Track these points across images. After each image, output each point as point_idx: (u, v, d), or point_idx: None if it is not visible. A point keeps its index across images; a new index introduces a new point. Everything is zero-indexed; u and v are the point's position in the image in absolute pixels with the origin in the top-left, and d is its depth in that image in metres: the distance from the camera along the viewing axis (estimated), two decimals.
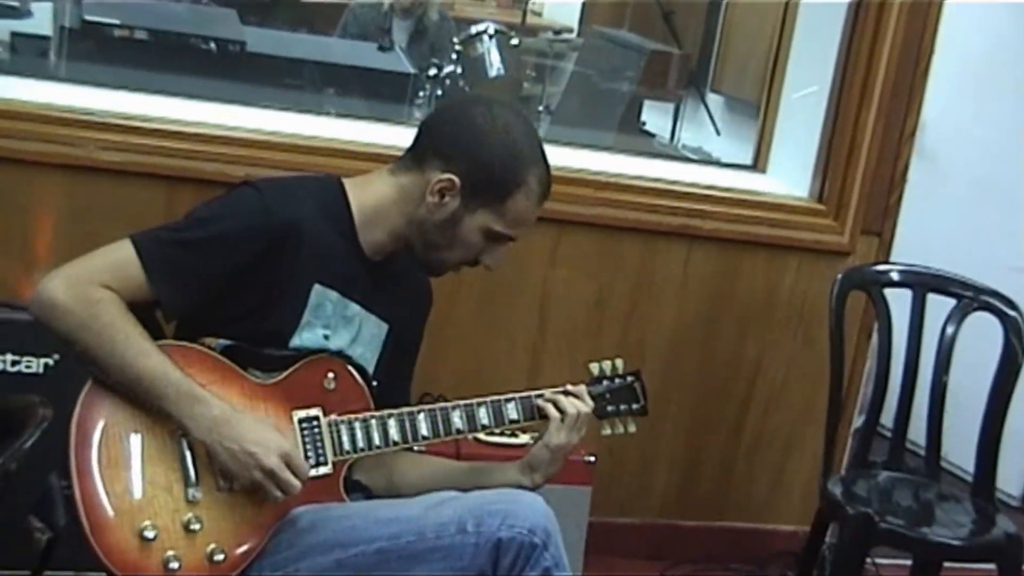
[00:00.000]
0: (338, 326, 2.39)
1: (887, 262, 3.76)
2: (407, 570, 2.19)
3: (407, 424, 2.37)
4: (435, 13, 6.16)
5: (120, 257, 2.23)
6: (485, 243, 2.38)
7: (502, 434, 2.98)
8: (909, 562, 3.57)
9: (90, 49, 4.04)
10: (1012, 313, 3.36)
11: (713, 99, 6.10)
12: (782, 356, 3.84)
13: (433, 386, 2.97)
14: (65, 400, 2.14)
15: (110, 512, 2.12)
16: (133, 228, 2.29)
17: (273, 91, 4.18)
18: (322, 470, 2.30)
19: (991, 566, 3.20)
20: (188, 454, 2.20)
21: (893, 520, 3.13)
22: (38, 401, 2.06)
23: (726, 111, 6.07)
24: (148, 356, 2.18)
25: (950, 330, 3.41)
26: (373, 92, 4.61)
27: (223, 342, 2.30)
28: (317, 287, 2.34)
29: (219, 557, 2.17)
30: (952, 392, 3.40)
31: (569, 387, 2.48)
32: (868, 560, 3.47)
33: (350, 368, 2.39)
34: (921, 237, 4.06)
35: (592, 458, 3.25)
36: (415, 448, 2.43)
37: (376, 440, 2.34)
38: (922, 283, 3.47)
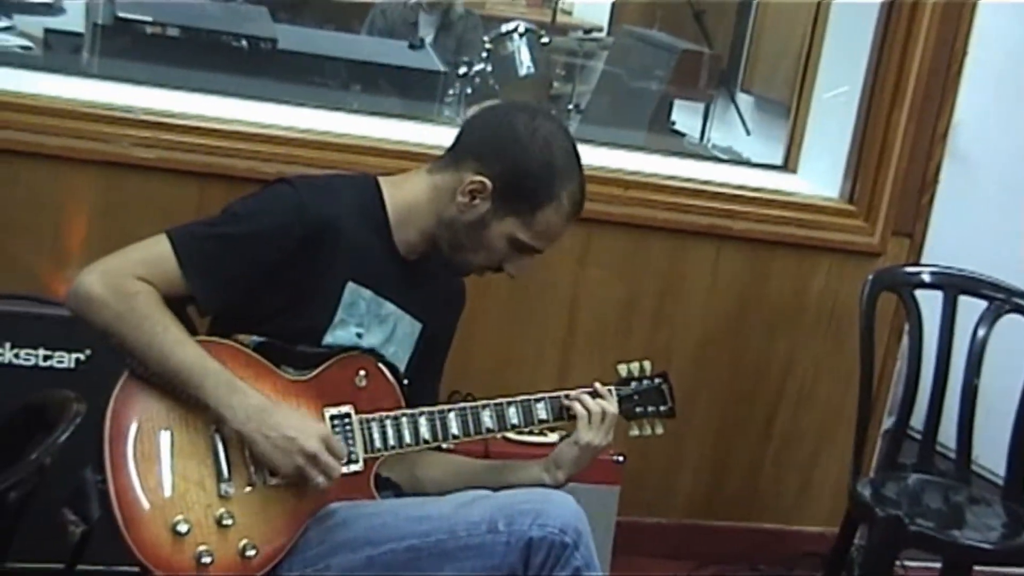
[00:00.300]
0: (371, 325, 2.39)
1: (918, 263, 3.74)
2: (437, 568, 2.19)
3: (438, 423, 2.37)
4: (461, 7, 6.16)
5: (156, 252, 2.24)
6: (509, 251, 2.39)
7: (530, 433, 2.97)
8: (939, 565, 3.54)
9: (123, 46, 4.05)
10: None
11: (743, 99, 6.09)
12: (811, 357, 3.83)
13: (461, 384, 2.97)
14: (96, 395, 2.15)
15: (144, 506, 2.13)
16: (165, 224, 2.30)
17: (304, 88, 4.19)
18: (353, 467, 2.30)
19: (1022, 570, 3.19)
20: (221, 449, 2.21)
21: (923, 523, 3.12)
22: (72, 396, 2.06)
23: (756, 111, 6.06)
24: (185, 346, 2.20)
25: (981, 332, 3.39)
26: (404, 90, 4.61)
27: (256, 339, 2.31)
28: (351, 285, 2.35)
29: (251, 552, 2.17)
30: (983, 394, 3.38)
31: (597, 386, 2.48)
32: (897, 563, 3.46)
33: (381, 366, 2.39)
34: (953, 238, 4.04)
35: (620, 458, 3.25)
36: (443, 447, 2.44)
37: (407, 438, 2.35)
38: (953, 285, 3.46)
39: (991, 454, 3.60)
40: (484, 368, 3.43)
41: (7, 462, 1.89)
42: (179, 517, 2.14)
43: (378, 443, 2.33)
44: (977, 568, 3.43)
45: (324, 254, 2.30)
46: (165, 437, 2.19)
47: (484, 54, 5.53)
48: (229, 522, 2.17)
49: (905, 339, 3.64)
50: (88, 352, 2.91)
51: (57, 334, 2.90)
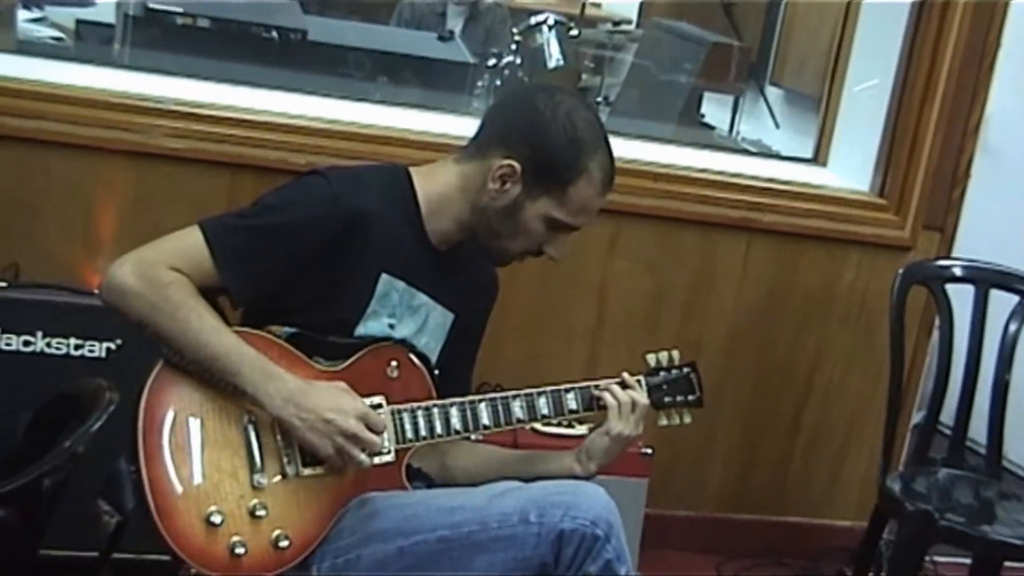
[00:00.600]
0: (404, 315, 2.39)
1: (949, 257, 3.72)
2: (469, 559, 2.19)
3: (469, 413, 2.37)
4: None
5: (188, 243, 2.24)
6: (547, 232, 2.38)
7: (559, 424, 2.97)
8: (968, 561, 3.53)
9: (153, 37, 4.08)
10: None
11: (772, 92, 6.08)
12: (841, 351, 3.81)
13: (491, 375, 2.96)
14: (127, 384, 2.15)
15: (178, 496, 2.14)
16: (196, 215, 2.31)
17: (334, 80, 4.21)
18: (385, 458, 2.30)
19: None
20: (254, 439, 2.21)
21: (953, 518, 3.10)
22: (105, 385, 2.07)
23: (785, 104, 6.04)
24: (221, 334, 2.20)
25: (1013, 327, 3.38)
26: (433, 81, 4.62)
27: (288, 330, 2.31)
28: (384, 276, 2.35)
29: (284, 543, 2.18)
30: (1014, 390, 3.37)
31: (626, 377, 2.48)
32: (926, 558, 3.45)
33: (412, 356, 2.39)
34: (984, 233, 4.02)
35: (649, 450, 3.25)
36: (473, 437, 2.43)
37: (438, 429, 2.35)
38: (985, 279, 3.44)
39: (1022, 450, 3.58)
40: (513, 360, 3.43)
41: (41, 450, 1.90)
42: (213, 508, 2.14)
43: (409, 434, 2.33)
44: (1007, 564, 3.42)
45: (357, 245, 2.30)
46: (198, 427, 2.19)
47: (513, 46, 5.53)
48: (262, 513, 2.18)
49: (935, 333, 3.63)
50: (119, 341, 2.92)
51: (89, 323, 2.91)
